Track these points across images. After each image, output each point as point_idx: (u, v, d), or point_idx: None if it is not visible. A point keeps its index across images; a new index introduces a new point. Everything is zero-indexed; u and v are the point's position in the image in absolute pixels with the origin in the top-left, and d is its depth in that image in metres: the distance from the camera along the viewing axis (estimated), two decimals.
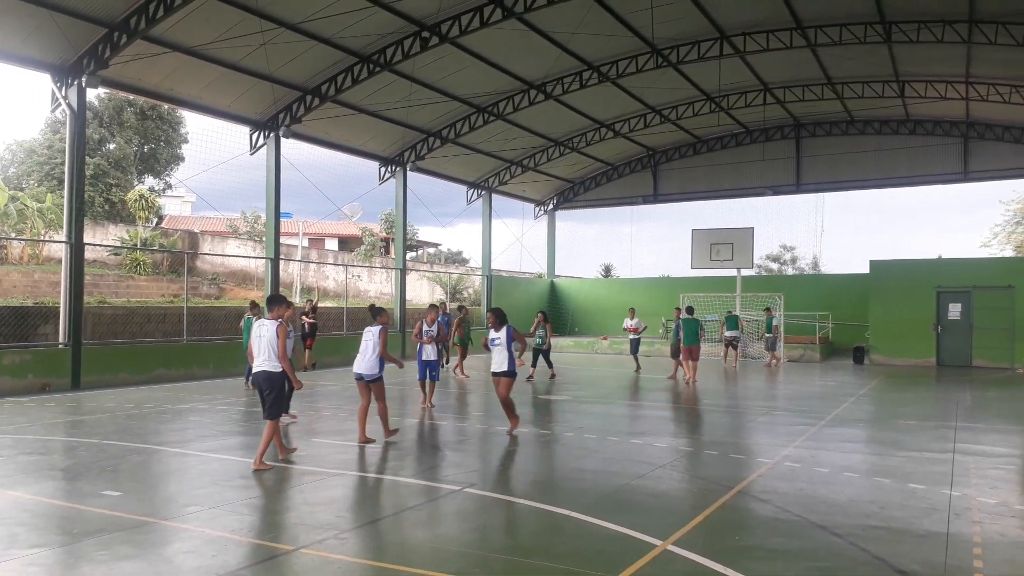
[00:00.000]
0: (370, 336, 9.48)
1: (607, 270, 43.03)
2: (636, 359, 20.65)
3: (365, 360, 9.44)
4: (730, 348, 22.95)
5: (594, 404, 14.19)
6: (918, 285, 23.42)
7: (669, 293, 27.84)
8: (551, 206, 34.32)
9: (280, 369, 8.06)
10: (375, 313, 9.80)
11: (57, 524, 6.05)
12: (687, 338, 17.40)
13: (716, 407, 14.00)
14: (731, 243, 25.20)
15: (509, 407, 10.32)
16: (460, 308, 20.07)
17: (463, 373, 18.34)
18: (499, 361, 10.16)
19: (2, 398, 13.57)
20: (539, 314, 18.19)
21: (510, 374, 10.18)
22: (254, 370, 8.28)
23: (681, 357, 17.71)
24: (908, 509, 6.65)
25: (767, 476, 7.92)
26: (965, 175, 27.03)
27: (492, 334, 10.27)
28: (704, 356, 25.17)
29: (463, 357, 18.79)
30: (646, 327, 20.51)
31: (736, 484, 7.48)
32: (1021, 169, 26.85)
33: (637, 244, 35.24)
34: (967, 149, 26.70)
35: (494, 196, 30.49)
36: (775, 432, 10.99)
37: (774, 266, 45.83)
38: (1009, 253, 38.34)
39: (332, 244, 47.35)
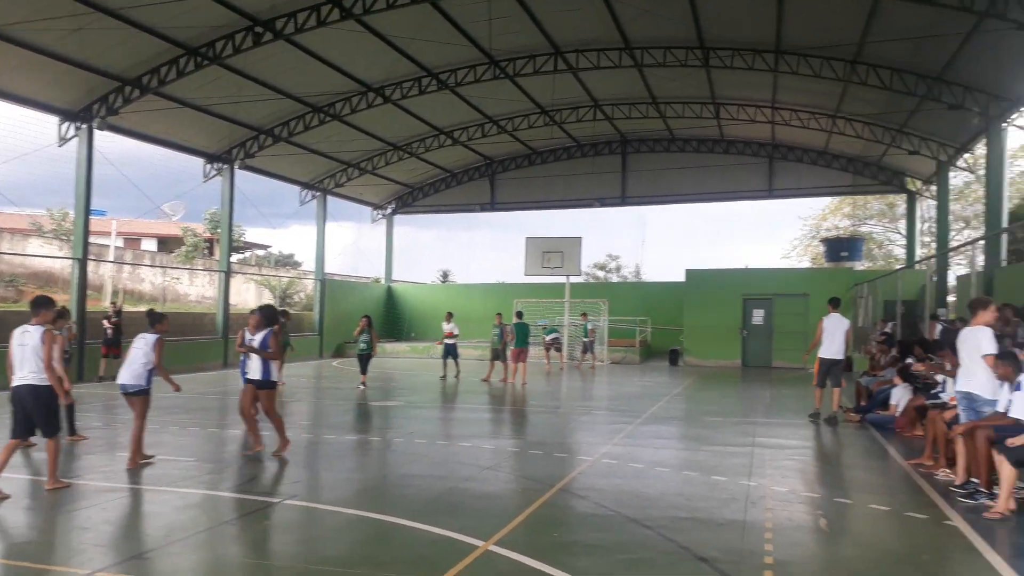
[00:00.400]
0: (141, 344, 8.42)
1: (445, 275, 43.28)
2: (445, 364, 19.95)
3: (131, 370, 8.36)
4: (552, 351, 24.00)
5: (426, 409, 14.23)
6: (727, 293, 25.43)
7: (504, 299, 28.42)
8: (389, 210, 34.03)
9: (48, 382, 7.11)
10: (153, 320, 8.69)
11: None
12: (518, 341, 18.15)
13: (542, 408, 14.45)
14: (561, 251, 26.12)
15: (277, 424, 9.21)
16: (283, 313, 19.27)
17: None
18: (253, 368, 9.13)
19: None
20: (363, 319, 17.57)
21: (267, 384, 9.11)
22: (14, 383, 7.19)
23: (510, 360, 18.35)
24: (711, 500, 7.20)
25: (587, 473, 8.30)
26: (770, 192, 29.67)
27: (248, 336, 9.28)
28: (535, 359, 26.12)
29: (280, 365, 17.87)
30: (459, 334, 19.87)
31: (558, 482, 7.78)
32: (816, 188, 29.99)
33: (475, 250, 35.86)
34: (772, 169, 29.31)
35: (330, 198, 29.78)
36: (596, 431, 11.54)
37: (601, 274, 48.04)
38: (806, 264, 42.41)
39: (150, 244, 44.24)
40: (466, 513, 6.66)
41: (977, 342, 7.53)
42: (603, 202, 31.52)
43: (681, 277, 26.63)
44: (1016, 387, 7.10)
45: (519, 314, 19.11)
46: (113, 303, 18.82)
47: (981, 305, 7.82)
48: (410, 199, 33.74)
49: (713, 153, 29.59)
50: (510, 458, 9.20)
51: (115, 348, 17.93)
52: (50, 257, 29.25)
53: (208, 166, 23.52)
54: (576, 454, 9.47)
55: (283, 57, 18.89)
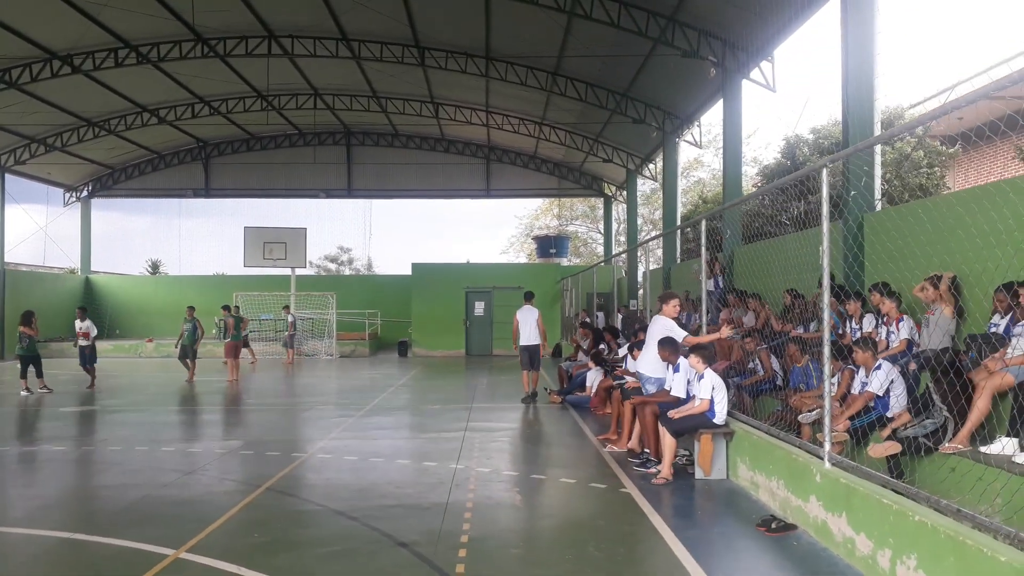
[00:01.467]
0: None
1: (155, 266, 39.71)
2: (87, 369, 16.34)
3: None
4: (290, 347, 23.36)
5: (127, 413, 12.99)
6: (451, 286, 26.40)
7: (223, 292, 26.82)
8: (85, 193, 30.50)
9: None
10: None
11: None
12: (235, 335, 18.01)
13: (263, 406, 13.96)
14: (284, 242, 25.31)
15: None
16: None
17: None
18: None
19: None
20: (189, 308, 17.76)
21: None
22: None
23: (225, 355, 18.03)
24: (419, 486, 7.46)
25: (298, 469, 8.19)
26: (488, 192, 31.28)
27: None
28: (263, 354, 25.06)
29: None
30: (96, 334, 16.68)
31: (265, 481, 7.57)
32: (528, 189, 32.29)
33: (189, 239, 33.34)
34: (489, 170, 30.94)
35: (9, 176, 25.96)
36: (315, 426, 11.40)
37: (332, 266, 47.23)
38: (522, 260, 45.28)
39: None
40: (158, 522, 6.24)
41: (654, 329, 8.66)
42: (329, 193, 31.04)
43: (409, 270, 27.10)
44: (675, 368, 8.26)
45: (227, 308, 18.95)
46: None
47: (665, 298, 8.99)
48: (110, 181, 30.52)
49: (435, 151, 30.49)
50: (216, 460, 8.77)
51: None
52: None
53: None
54: (290, 451, 9.27)
55: None
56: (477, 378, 18.64)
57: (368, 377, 19.11)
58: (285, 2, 17.83)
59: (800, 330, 9.26)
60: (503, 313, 26.05)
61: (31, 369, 15.20)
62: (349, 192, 31.05)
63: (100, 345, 17.89)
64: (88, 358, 16.24)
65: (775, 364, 9.17)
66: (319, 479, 7.76)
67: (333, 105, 25.47)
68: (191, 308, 18.41)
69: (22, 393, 14.99)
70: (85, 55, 19.64)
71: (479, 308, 26.42)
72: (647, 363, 8.72)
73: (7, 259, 26.34)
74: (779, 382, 9.01)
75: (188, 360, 17.78)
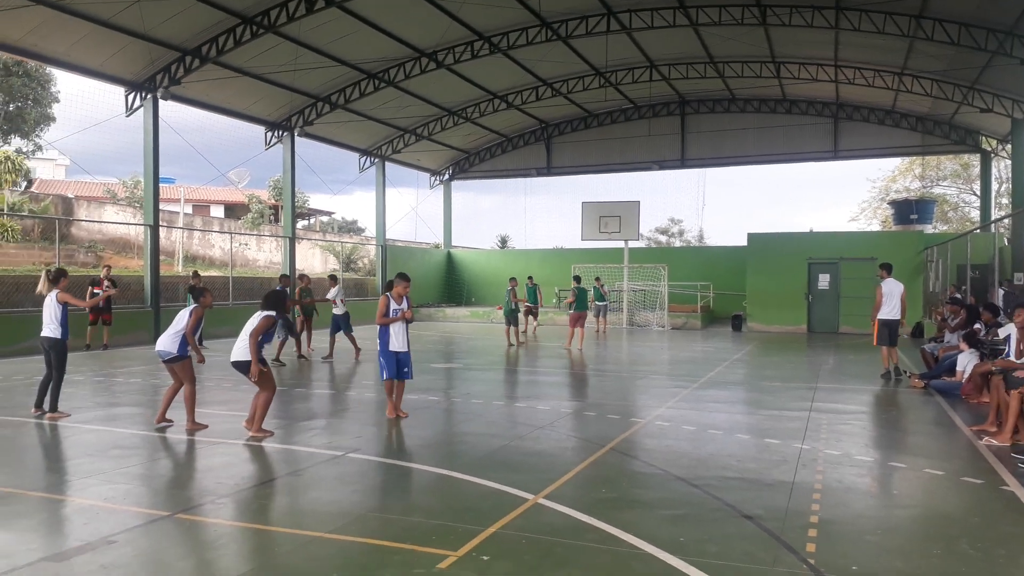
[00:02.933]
0: (183, 313, 8.51)
1: (503, 241, 43.44)
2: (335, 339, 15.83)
3: (166, 336, 8.44)
4: (600, 317, 23.96)
5: (484, 371, 14.48)
6: (791, 257, 24.90)
7: (563, 264, 28.47)
8: (447, 176, 34.27)
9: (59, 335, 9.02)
10: (196, 294, 8.72)
11: None
12: (579, 305, 18.45)
13: (600, 372, 14.57)
14: (619, 216, 25.94)
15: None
16: (300, 277, 17.15)
17: (305, 350, 15.82)
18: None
19: None
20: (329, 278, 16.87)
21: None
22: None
23: (570, 323, 18.54)
24: (761, 462, 7.22)
25: (638, 434, 8.41)
26: (835, 153, 28.80)
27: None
28: (593, 324, 26.17)
29: (308, 332, 16.10)
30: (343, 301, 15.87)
31: (608, 442, 7.91)
32: (884, 149, 28.94)
33: (532, 216, 35.77)
34: (837, 129, 28.42)
35: (388, 164, 30.17)
36: (651, 394, 11.60)
37: (663, 238, 47.50)
38: (875, 227, 41.15)
39: (218, 211, 45.61)
40: (516, 468, 6.86)
41: None
42: (662, 165, 31.10)
43: (743, 241, 26.19)
44: None
45: (577, 279, 19.28)
46: (107, 267, 17.96)
47: None
48: (466, 164, 33.90)
49: (775, 113, 28.83)
50: (563, 419, 9.36)
51: (106, 315, 17.11)
52: (125, 224, 30.49)
53: (269, 134, 24.09)
54: (629, 416, 9.56)
55: (337, 24, 19.14)
56: (822, 356, 17.41)
57: (701, 350, 18.91)
58: None
59: None
60: (853, 287, 23.94)
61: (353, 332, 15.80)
62: (682, 162, 30.81)
63: (458, 311, 20.03)
64: (343, 327, 15.55)
65: None
66: (658, 445, 7.88)
67: (669, 75, 25.40)
68: (513, 279, 20.07)
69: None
70: (447, 50, 22.01)
71: (823, 281, 24.58)
72: None
73: (387, 236, 30.73)
74: None
75: (513, 325, 19.27)
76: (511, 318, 19.35)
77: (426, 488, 6.37)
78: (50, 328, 9.05)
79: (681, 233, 46.80)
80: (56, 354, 9.06)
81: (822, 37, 20.69)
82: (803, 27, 19.08)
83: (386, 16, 19.43)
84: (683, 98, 29.17)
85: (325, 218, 50.88)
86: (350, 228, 51.50)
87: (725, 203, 56.48)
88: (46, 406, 9.09)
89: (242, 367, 8.04)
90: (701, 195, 32.74)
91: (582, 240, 27.00)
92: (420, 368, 14.47)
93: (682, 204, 34.35)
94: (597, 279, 24.92)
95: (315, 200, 45.74)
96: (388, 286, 9.31)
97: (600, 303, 24.12)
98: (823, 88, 25.92)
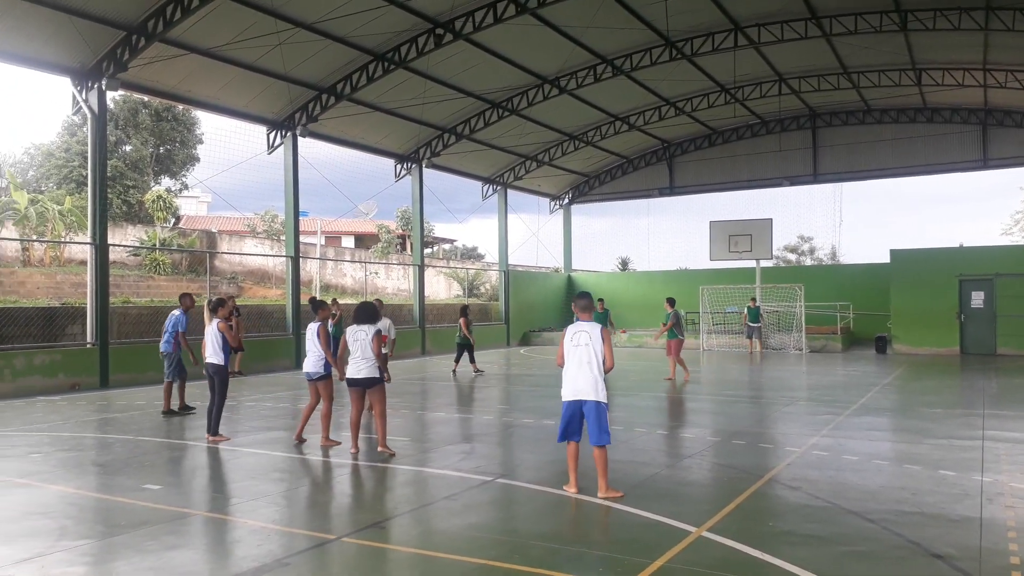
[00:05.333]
0: (310, 334, 9.14)
1: (624, 263, 43.00)
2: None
3: (310, 359, 9.15)
4: (754, 339, 23.24)
5: (618, 396, 14.21)
6: (940, 274, 23.28)
7: (689, 285, 27.81)
8: (566, 200, 34.33)
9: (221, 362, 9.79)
10: (315, 307, 9.45)
11: (103, 516, 6.19)
12: (678, 331, 16.51)
13: (739, 398, 14.01)
14: (749, 234, 25.12)
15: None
16: (333, 301, 18.00)
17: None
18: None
19: (34, 397, 13.82)
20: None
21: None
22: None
23: (674, 352, 16.52)
24: (940, 495, 6.66)
25: (796, 464, 7.95)
26: (984, 162, 26.83)
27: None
28: (727, 347, 25.43)
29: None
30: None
31: (766, 472, 7.52)
32: None
33: (653, 237, 35.19)
34: (986, 136, 26.49)
35: (509, 191, 30.55)
36: (801, 421, 11.00)
37: (792, 257, 45.64)
38: None
39: (349, 242, 47.56)
40: (672, 499, 6.62)
41: None
42: (793, 180, 29.92)
43: (885, 258, 24.73)
44: None
45: (671, 301, 16.90)
46: (232, 297, 19.19)
47: None
48: (586, 188, 33.85)
49: (915, 123, 27.23)
50: (711, 447, 9.01)
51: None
52: (265, 256, 32.26)
53: (398, 166, 24.91)
54: (782, 445, 9.09)
55: (463, 56, 19.63)
56: (981, 380, 16.09)
57: (846, 374, 17.89)
58: None
59: None
60: (1011, 305, 22.13)
61: (465, 355, 18.01)
62: (815, 177, 29.52)
63: None
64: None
65: None
66: (821, 476, 7.41)
67: (799, 88, 24.52)
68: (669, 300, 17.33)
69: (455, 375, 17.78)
70: (569, 76, 22.11)
71: (977, 299, 22.80)
72: None
73: (509, 261, 31.05)
74: None
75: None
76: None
77: (582, 517, 6.23)
78: (216, 356, 9.61)
79: (812, 251, 44.83)
80: (219, 379, 9.59)
81: (970, 40, 19.41)
82: (948, 31, 17.96)
83: (510, 45, 19.77)
84: (814, 111, 28.04)
85: (447, 246, 52.10)
86: (470, 255, 52.47)
87: (861, 218, 53.59)
88: (213, 430, 9.62)
89: (366, 383, 8.49)
90: (838, 210, 31.07)
91: (711, 260, 26.32)
92: (547, 394, 14.41)
93: (814, 221, 32.74)
94: (752, 299, 24.24)
95: (437, 228, 46.96)
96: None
97: (754, 324, 23.42)
98: (969, 94, 24.27)
